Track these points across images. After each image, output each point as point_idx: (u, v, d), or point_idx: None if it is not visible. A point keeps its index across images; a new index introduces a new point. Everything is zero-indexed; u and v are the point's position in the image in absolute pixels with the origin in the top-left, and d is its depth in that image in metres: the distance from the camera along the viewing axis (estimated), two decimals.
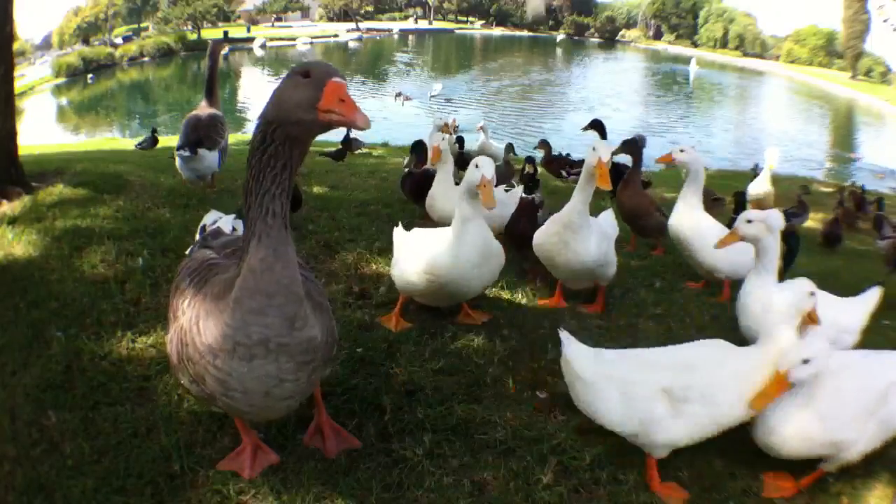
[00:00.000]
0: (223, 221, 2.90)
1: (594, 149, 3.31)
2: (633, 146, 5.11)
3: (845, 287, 3.55)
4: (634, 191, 4.93)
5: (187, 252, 3.26)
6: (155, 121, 23.20)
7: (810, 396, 2.32)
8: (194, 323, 1.86)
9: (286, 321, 1.77)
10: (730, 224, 5.21)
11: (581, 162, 7.48)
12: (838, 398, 2.33)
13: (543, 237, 3.66)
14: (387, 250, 4.29)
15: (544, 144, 8.10)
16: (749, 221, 3.14)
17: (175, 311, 2.02)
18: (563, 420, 2.70)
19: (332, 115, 1.61)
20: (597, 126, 6.63)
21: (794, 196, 7.98)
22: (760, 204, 7.73)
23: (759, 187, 7.74)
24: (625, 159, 6.64)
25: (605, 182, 3.23)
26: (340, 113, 1.60)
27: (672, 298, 4.11)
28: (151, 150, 10.41)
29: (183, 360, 1.90)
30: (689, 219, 4.17)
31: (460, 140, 8.51)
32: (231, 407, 1.92)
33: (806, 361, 2.24)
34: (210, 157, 5.33)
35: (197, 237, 3.28)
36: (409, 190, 5.28)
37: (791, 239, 4.22)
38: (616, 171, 6.30)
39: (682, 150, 4.35)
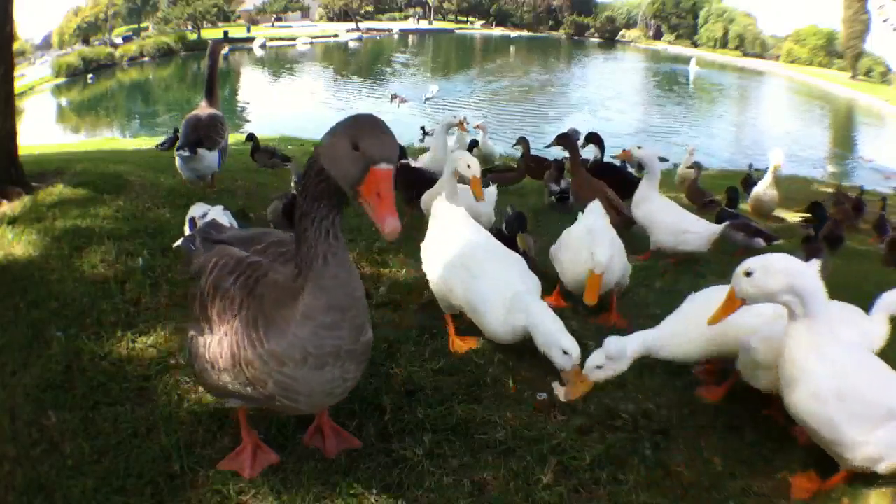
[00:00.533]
0: (213, 213, 2.89)
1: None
2: (567, 140, 5.67)
3: (845, 287, 3.54)
4: (579, 181, 5.55)
5: (178, 243, 3.23)
6: (155, 121, 23.23)
7: (843, 371, 2.25)
8: (253, 328, 1.87)
9: (356, 330, 1.86)
10: (718, 219, 5.27)
11: (560, 161, 7.47)
12: (855, 387, 2.25)
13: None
14: (387, 250, 4.29)
15: (523, 142, 7.96)
16: (748, 274, 2.31)
17: (220, 312, 1.97)
18: (563, 420, 2.70)
19: (367, 205, 1.63)
20: (594, 140, 6.64)
21: (798, 197, 7.97)
22: (762, 205, 7.73)
23: (762, 189, 7.72)
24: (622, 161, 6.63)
25: None
26: (373, 208, 1.61)
27: (672, 298, 4.09)
28: (170, 151, 10.61)
29: (240, 363, 1.89)
30: (646, 207, 4.83)
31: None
32: (287, 406, 1.96)
33: (748, 274, 2.30)
34: (210, 157, 5.34)
35: (186, 229, 3.26)
36: (402, 186, 5.15)
37: (818, 210, 5.12)
38: (621, 174, 6.36)
39: (639, 147, 5.04)
